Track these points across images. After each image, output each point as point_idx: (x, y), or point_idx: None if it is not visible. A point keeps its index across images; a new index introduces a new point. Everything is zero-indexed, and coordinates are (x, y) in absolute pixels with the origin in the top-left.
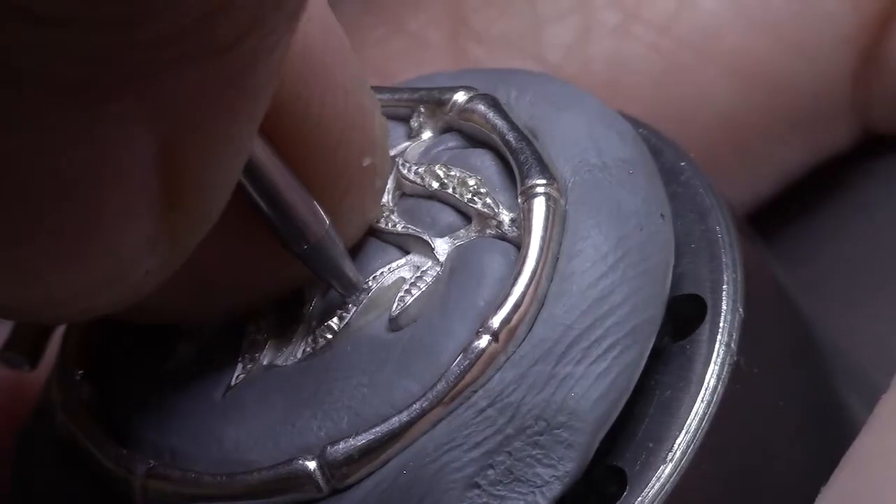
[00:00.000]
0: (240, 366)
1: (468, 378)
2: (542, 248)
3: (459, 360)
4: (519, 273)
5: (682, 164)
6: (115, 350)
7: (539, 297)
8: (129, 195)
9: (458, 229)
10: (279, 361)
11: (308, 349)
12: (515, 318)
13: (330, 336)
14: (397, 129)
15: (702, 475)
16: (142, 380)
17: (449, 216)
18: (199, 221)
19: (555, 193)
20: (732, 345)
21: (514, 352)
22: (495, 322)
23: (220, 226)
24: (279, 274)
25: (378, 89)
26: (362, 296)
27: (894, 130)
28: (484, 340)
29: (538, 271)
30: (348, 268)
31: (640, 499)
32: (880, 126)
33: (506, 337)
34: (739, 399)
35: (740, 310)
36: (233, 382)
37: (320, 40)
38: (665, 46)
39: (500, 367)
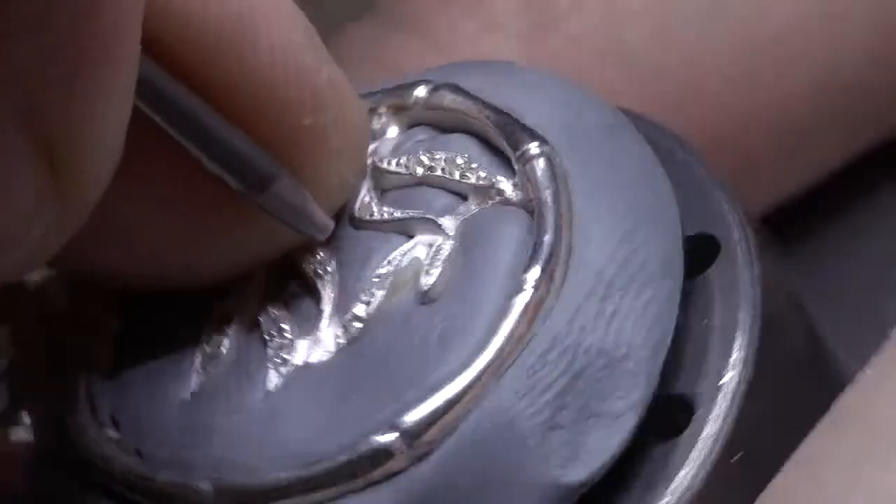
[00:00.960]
0: (272, 371)
1: (521, 329)
2: (556, 201)
3: (509, 312)
4: (543, 225)
5: (683, 153)
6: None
7: (566, 246)
8: None
9: (457, 207)
10: (313, 359)
11: (340, 341)
12: (551, 266)
13: (360, 325)
14: None
15: (762, 384)
16: (163, 406)
17: (443, 198)
18: (86, 175)
19: (551, 153)
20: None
21: (557, 299)
22: (534, 273)
23: (182, 189)
24: (253, 230)
25: None
26: (386, 280)
27: None
28: (527, 292)
29: (561, 222)
30: (315, 210)
31: (709, 421)
32: None
33: (546, 284)
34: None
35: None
36: (270, 388)
37: None
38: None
39: (548, 314)
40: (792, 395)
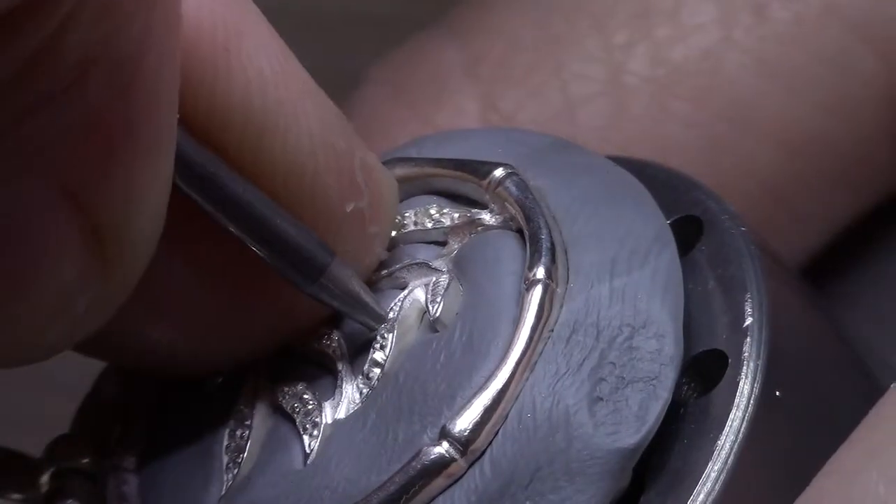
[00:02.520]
0: (305, 437)
1: (542, 319)
2: (538, 206)
3: (527, 308)
4: (535, 229)
5: (695, 191)
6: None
7: (562, 240)
8: (43, 237)
9: (439, 252)
10: (340, 415)
11: (365, 390)
12: (555, 260)
13: (379, 370)
14: None
15: (788, 327)
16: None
17: (423, 249)
18: (129, 250)
19: (517, 171)
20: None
21: (568, 286)
22: (541, 269)
23: (223, 270)
24: (290, 316)
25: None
26: (393, 324)
27: None
28: (539, 286)
29: (550, 221)
30: (370, 297)
31: (743, 362)
32: None
33: (555, 276)
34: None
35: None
36: (309, 450)
37: (273, 85)
38: (701, 120)
39: (563, 301)
40: (814, 332)
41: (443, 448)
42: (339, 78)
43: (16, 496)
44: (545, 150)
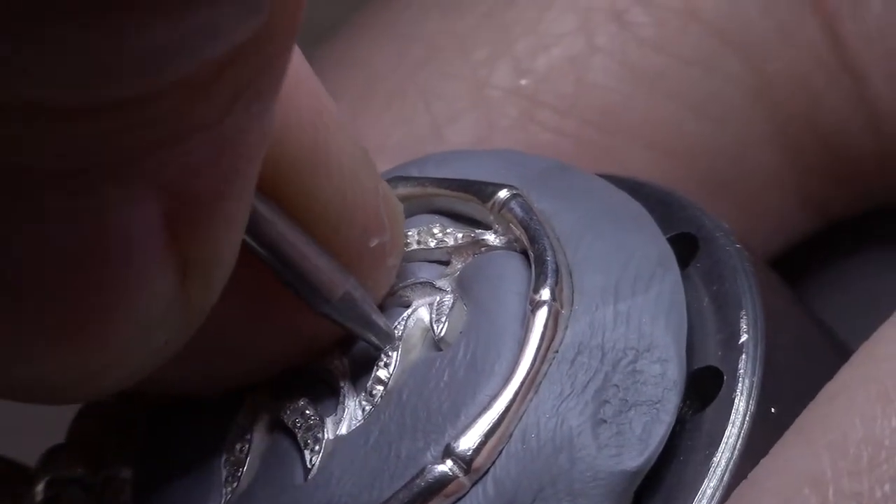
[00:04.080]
0: (307, 453)
1: (547, 341)
2: (543, 229)
3: (532, 329)
4: (539, 251)
5: (689, 209)
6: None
7: (567, 262)
8: (142, 266)
9: (442, 271)
10: (342, 431)
11: (367, 407)
12: (559, 282)
13: (382, 387)
14: None
15: (783, 343)
16: None
17: (426, 268)
18: (213, 284)
19: (521, 193)
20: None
21: (573, 309)
22: (546, 290)
23: (242, 292)
24: (301, 336)
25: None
26: (397, 342)
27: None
28: (544, 308)
29: (555, 244)
30: (380, 319)
31: (738, 378)
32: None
33: (559, 298)
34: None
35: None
36: (310, 465)
37: (313, 124)
38: (569, 128)
39: (568, 323)
40: (807, 347)
41: (446, 466)
42: None
43: None
44: (545, 172)
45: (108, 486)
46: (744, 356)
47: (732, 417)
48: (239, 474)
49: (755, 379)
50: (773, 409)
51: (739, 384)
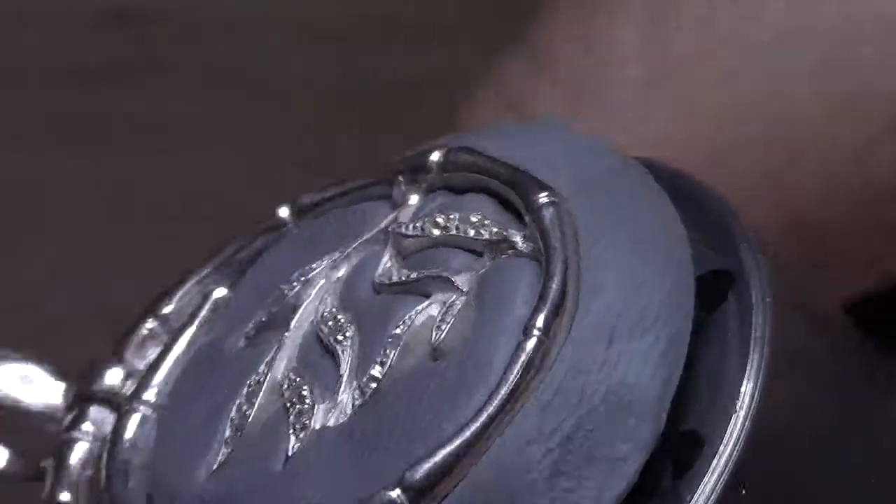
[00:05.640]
0: (292, 437)
1: (525, 379)
2: (563, 249)
3: (515, 361)
4: (550, 274)
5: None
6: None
7: (573, 293)
8: None
9: (473, 265)
10: (330, 422)
11: (357, 402)
12: (557, 314)
13: (374, 385)
14: (383, 208)
15: (775, 423)
16: (189, 482)
17: (461, 256)
18: None
19: (560, 202)
20: (767, 298)
21: (563, 347)
22: (539, 321)
23: None
24: None
25: None
26: (398, 341)
27: None
28: (532, 341)
29: (567, 270)
30: None
31: (717, 455)
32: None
33: (554, 332)
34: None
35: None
36: (290, 453)
37: None
38: None
39: (552, 361)
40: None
41: (395, 494)
42: (342, 80)
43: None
44: (606, 174)
45: (132, 406)
46: (728, 432)
47: (700, 490)
48: (239, 435)
49: (732, 460)
50: (743, 491)
51: (715, 461)
